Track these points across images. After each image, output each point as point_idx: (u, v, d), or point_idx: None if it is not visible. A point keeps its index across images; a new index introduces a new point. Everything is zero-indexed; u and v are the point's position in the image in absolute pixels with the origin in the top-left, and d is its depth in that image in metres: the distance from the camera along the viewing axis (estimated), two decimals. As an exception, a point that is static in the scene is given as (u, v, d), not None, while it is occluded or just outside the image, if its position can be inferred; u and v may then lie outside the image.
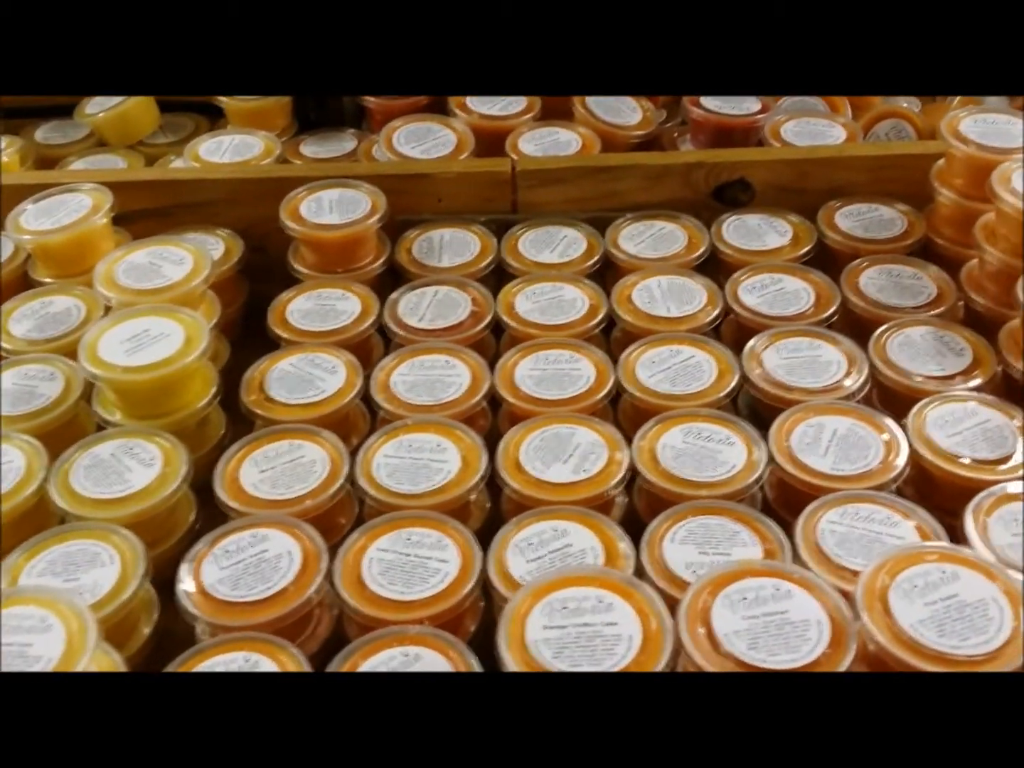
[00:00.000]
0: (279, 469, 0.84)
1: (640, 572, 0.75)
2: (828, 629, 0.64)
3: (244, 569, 0.75)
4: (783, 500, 0.86)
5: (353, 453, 0.86)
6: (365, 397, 0.93)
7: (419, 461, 0.84)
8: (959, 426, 0.85)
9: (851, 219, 1.10)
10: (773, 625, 0.65)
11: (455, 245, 1.11)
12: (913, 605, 0.64)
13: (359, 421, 0.96)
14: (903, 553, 0.68)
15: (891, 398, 0.93)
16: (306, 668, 0.68)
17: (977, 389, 0.91)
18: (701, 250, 1.08)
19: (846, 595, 0.70)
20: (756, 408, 0.95)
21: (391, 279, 1.09)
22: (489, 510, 0.88)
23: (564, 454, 0.85)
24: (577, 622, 0.65)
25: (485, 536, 0.79)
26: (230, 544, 0.77)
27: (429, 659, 0.68)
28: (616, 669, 0.62)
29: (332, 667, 0.68)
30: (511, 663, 0.63)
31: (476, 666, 0.68)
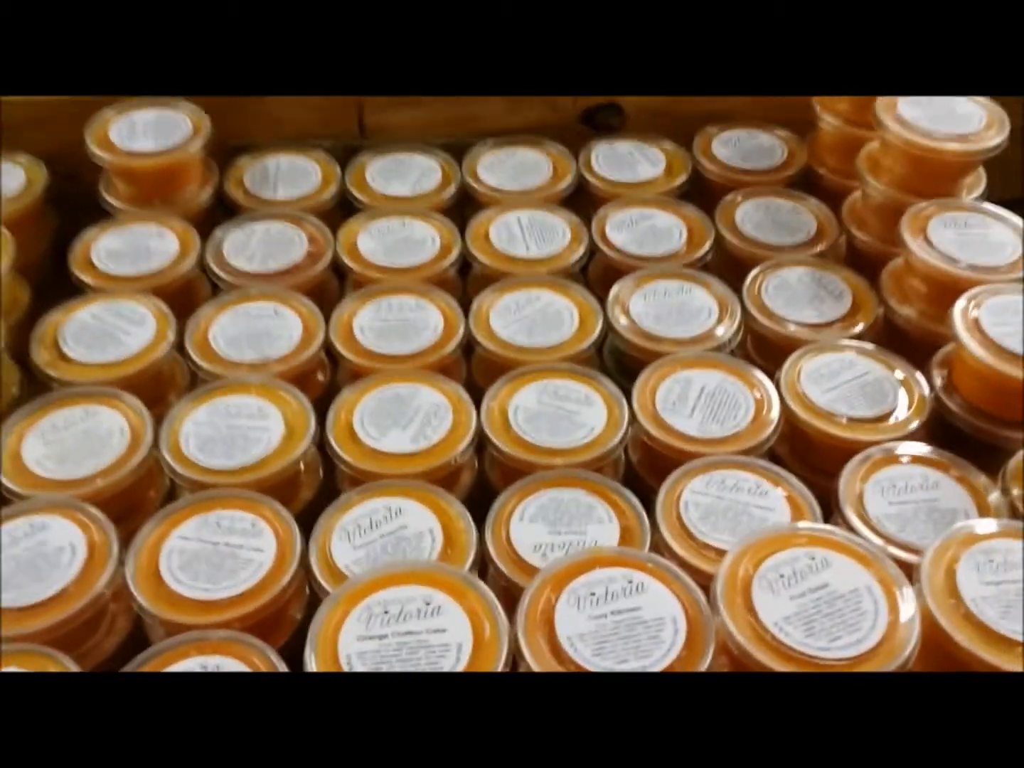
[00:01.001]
0: (68, 442, 0.72)
1: (484, 556, 0.67)
2: (684, 628, 0.57)
3: (16, 567, 0.64)
4: (648, 464, 0.78)
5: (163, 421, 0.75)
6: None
7: (236, 430, 0.73)
8: (835, 380, 0.78)
9: (728, 147, 1.01)
10: (623, 626, 0.57)
11: (293, 174, 0.98)
12: (778, 599, 0.57)
13: (177, 382, 0.84)
14: (768, 537, 0.61)
15: (766, 347, 0.86)
16: (85, 686, 0.58)
17: (858, 336, 0.84)
18: (567, 181, 0.98)
19: (709, 581, 0.63)
20: (623, 361, 0.86)
21: (220, 214, 0.97)
22: (324, 481, 0.78)
23: (403, 419, 0.75)
24: (399, 630, 0.56)
25: (320, 511, 0.69)
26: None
27: (232, 671, 0.59)
28: (441, 685, 0.54)
29: (118, 685, 0.58)
30: (320, 681, 0.54)
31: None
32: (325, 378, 0.85)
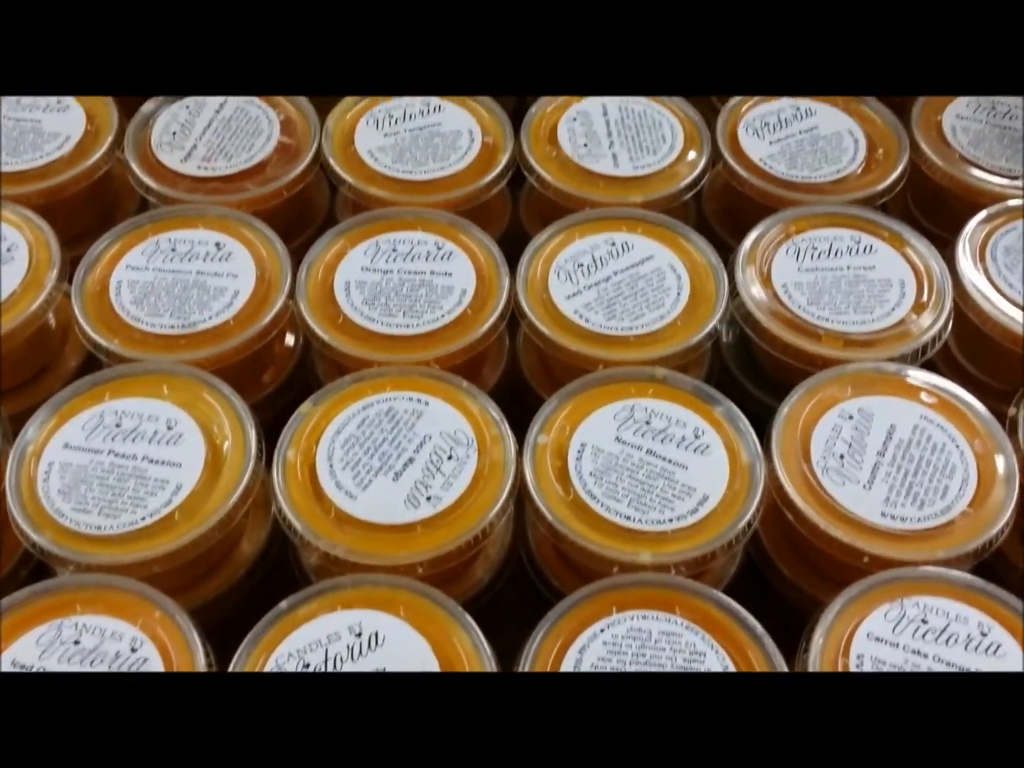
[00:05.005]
0: None
1: None
2: None
3: None
4: (793, 563, 0.49)
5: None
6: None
7: (125, 461, 0.45)
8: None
9: None
10: None
11: None
12: None
13: (60, 359, 0.57)
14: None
15: (991, 357, 0.54)
16: None
17: None
18: (681, 46, 0.65)
19: None
20: (756, 361, 0.56)
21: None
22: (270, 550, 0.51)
23: (397, 458, 0.46)
24: None
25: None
26: None
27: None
28: None
29: None
30: None
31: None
32: (282, 370, 0.57)
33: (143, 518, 0.44)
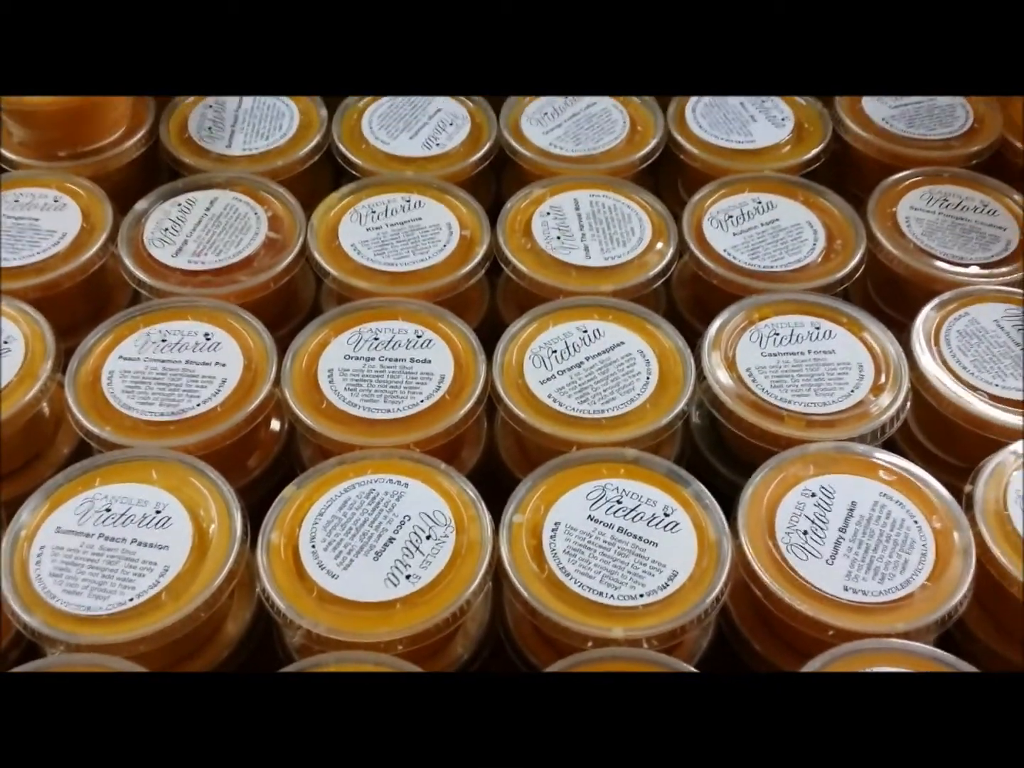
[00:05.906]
0: None
1: None
2: None
3: None
4: (762, 635, 0.51)
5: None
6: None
7: (113, 546, 0.47)
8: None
9: (888, 104, 0.71)
10: None
11: (259, 117, 0.70)
12: None
13: (52, 446, 0.58)
14: None
15: (947, 435, 0.57)
16: None
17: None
18: (650, 145, 0.70)
19: None
20: (723, 442, 0.58)
21: (151, 175, 0.69)
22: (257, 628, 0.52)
23: (378, 538, 0.48)
24: None
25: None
26: None
27: None
28: None
29: None
30: None
31: None
32: (267, 454, 0.59)
33: (131, 599, 0.45)
